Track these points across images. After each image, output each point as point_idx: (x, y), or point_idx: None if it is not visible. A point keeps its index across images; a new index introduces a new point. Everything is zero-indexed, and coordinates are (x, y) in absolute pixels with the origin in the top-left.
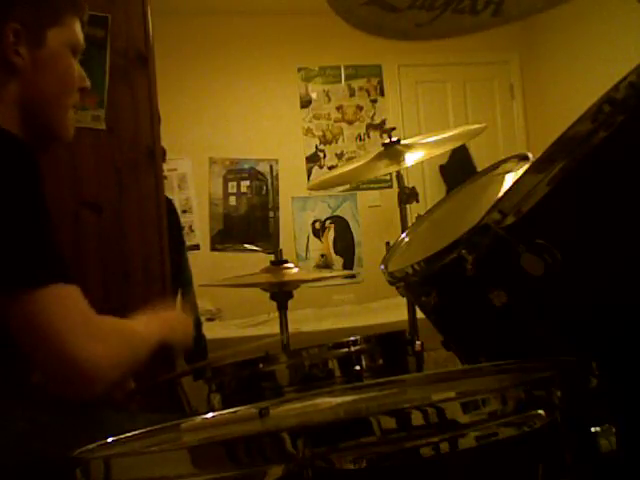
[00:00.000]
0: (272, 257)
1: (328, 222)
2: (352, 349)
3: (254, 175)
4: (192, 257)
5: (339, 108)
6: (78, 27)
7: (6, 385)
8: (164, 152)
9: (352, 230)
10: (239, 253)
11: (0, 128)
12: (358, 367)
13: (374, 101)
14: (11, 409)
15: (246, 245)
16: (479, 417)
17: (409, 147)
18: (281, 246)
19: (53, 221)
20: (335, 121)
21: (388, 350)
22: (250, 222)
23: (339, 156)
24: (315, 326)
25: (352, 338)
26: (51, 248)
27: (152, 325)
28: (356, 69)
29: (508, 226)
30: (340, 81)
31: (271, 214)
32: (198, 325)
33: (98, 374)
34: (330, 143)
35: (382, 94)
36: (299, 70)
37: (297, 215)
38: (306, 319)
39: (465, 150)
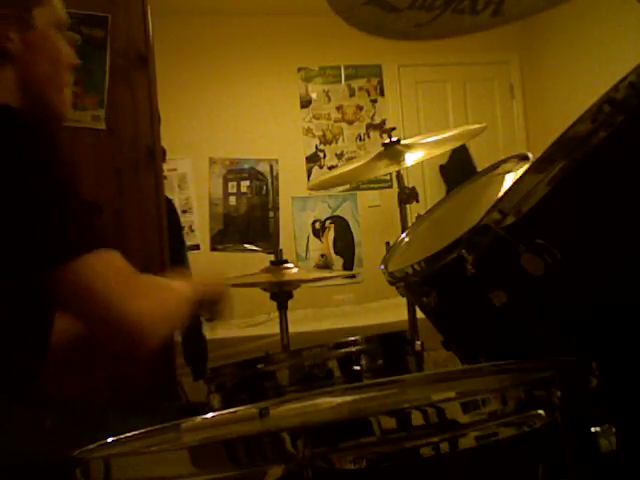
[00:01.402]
0: (272, 257)
1: (328, 222)
2: (352, 349)
3: (254, 175)
4: (192, 257)
5: (339, 108)
6: (60, 3)
7: (8, 386)
8: (164, 152)
9: (352, 230)
10: (239, 253)
11: (10, 107)
12: (358, 367)
13: (374, 101)
14: (13, 410)
15: (246, 245)
16: (479, 417)
17: (409, 147)
18: (281, 246)
19: (77, 188)
20: (335, 121)
21: (388, 350)
22: (250, 222)
23: (339, 156)
24: (315, 326)
25: (352, 338)
26: (79, 216)
27: (186, 284)
28: (356, 69)
29: (508, 226)
30: (340, 81)
31: (271, 214)
32: (198, 325)
33: (148, 328)
34: (330, 143)
35: (382, 94)
36: (299, 70)
37: (297, 215)
38: (306, 319)
39: (465, 150)
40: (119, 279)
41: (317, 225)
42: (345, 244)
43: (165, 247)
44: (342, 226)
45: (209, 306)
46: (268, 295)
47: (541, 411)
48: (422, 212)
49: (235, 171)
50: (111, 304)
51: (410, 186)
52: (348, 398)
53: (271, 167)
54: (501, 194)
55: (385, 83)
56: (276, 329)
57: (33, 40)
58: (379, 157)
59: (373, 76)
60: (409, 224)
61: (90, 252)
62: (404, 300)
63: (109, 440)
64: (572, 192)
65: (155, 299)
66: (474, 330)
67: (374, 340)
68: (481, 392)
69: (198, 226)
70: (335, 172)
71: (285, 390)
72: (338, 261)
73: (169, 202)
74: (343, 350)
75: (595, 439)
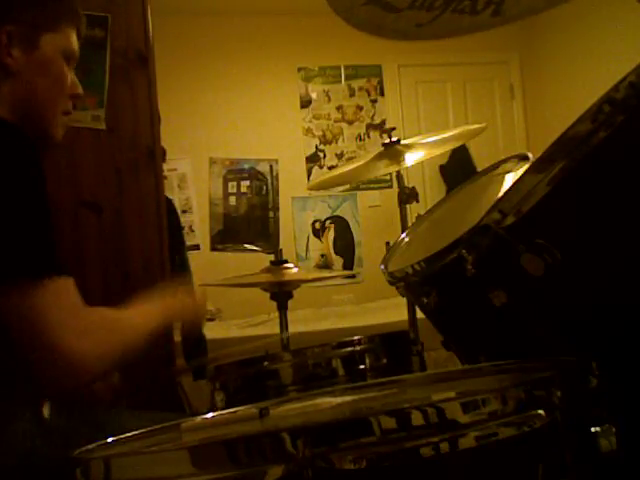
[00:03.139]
0: (272, 257)
1: (328, 222)
2: (356, 349)
3: (254, 175)
4: (192, 257)
5: (339, 108)
6: (74, 36)
7: (9, 385)
8: (164, 152)
9: (352, 230)
10: (239, 253)
11: (2, 119)
12: (362, 366)
13: (374, 101)
14: (14, 409)
15: (246, 245)
16: (479, 417)
17: (409, 147)
18: (281, 246)
19: (51, 212)
20: (335, 121)
21: (392, 350)
22: (250, 222)
23: (339, 156)
24: (315, 326)
25: (356, 338)
26: (43, 240)
27: (152, 311)
28: (356, 69)
29: (508, 226)
30: (340, 81)
31: (271, 214)
32: None
33: (83, 367)
34: (330, 143)
35: (382, 94)
36: (299, 70)
37: (297, 215)
38: (306, 319)
39: (465, 150)
40: (67, 312)
41: (317, 225)
42: (345, 244)
43: (165, 247)
44: (342, 226)
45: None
46: (268, 295)
47: (541, 411)
48: (422, 212)
49: (235, 171)
50: (53, 337)
51: (410, 186)
52: (348, 398)
53: (271, 167)
54: (501, 194)
55: (385, 83)
56: (276, 329)
57: (35, 61)
58: (379, 157)
59: (373, 76)
60: (409, 224)
61: (46, 277)
62: (404, 300)
63: (109, 440)
64: (572, 192)
65: (99, 338)
66: (474, 330)
67: (377, 340)
68: (481, 392)
69: (198, 226)
70: (335, 172)
71: (288, 389)
72: (338, 261)
73: (169, 202)
74: (347, 349)
75: (595, 439)
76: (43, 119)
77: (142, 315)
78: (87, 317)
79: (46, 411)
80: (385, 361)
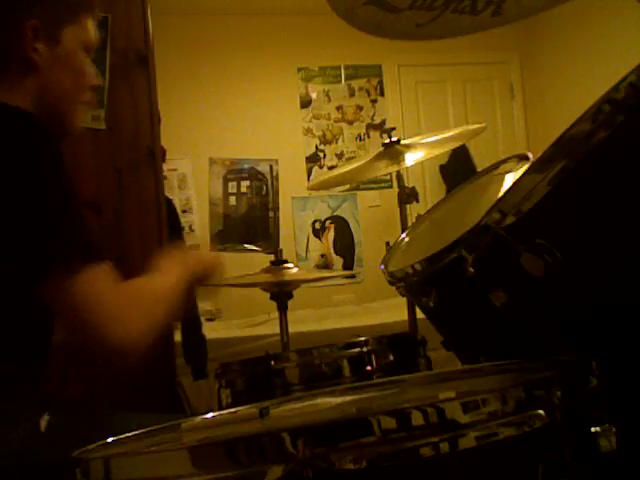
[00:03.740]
0: (272, 257)
1: (328, 222)
2: (363, 349)
3: (254, 175)
4: None
5: (339, 108)
6: (91, 26)
7: (9, 387)
8: (164, 152)
9: (352, 230)
10: (239, 253)
11: (25, 111)
12: (369, 367)
13: (374, 101)
14: (14, 411)
15: (246, 245)
16: (479, 417)
17: (409, 147)
18: (281, 246)
19: (76, 198)
20: (335, 121)
21: (398, 351)
22: (250, 222)
23: (339, 156)
24: (315, 326)
25: (362, 338)
26: (82, 227)
27: (175, 272)
28: (356, 69)
29: (508, 226)
30: (340, 81)
31: (271, 214)
32: (198, 325)
33: (124, 350)
34: (330, 143)
35: (382, 94)
36: (299, 70)
37: (297, 215)
38: (306, 319)
39: (465, 150)
40: (109, 296)
41: (317, 225)
42: (345, 244)
43: (165, 247)
44: (342, 226)
45: (203, 279)
46: (268, 295)
47: (541, 411)
48: (422, 212)
49: (235, 171)
50: (99, 324)
51: (410, 186)
52: (348, 398)
53: (271, 167)
54: (501, 194)
55: (385, 83)
56: (276, 329)
57: (59, 55)
58: (379, 157)
59: (373, 76)
60: (409, 224)
61: (85, 267)
62: (404, 300)
63: (109, 440)
64: (572, 192)
65: (141, 310)
66: (474, 330)
67: (384, 341)
68: (481, 392)
69: (198, 226)
70: (335, 172)
71: (294, 388)
72: (338, 261)
73: (169, 202)
74: (353, 350)
75: (595, 439)
76: (65, 112)
77: (169, 282)
78: (125, 296)
79: (43, 423)
80: (392, 363)
